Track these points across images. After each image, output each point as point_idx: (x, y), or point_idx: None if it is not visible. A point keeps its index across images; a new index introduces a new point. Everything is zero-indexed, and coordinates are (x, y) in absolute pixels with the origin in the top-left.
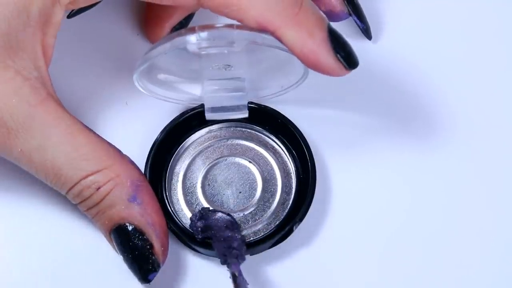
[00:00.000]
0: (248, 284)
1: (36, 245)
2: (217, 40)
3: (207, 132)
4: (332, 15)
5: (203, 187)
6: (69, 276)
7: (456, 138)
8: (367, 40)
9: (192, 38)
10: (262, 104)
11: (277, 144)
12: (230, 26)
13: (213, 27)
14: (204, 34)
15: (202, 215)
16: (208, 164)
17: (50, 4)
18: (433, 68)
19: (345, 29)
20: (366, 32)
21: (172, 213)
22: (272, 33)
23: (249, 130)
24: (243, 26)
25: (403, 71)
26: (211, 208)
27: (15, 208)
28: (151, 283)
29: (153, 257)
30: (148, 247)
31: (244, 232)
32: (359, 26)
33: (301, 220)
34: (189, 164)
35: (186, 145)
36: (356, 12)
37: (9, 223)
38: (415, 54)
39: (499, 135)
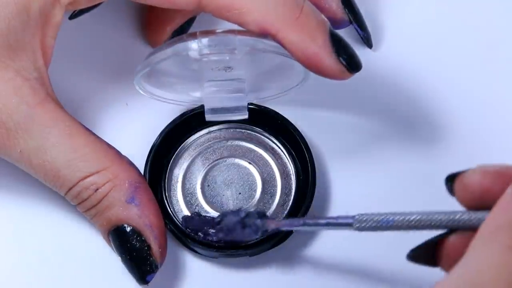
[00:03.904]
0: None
1: (36, 245)
2: (218, 47)
3: (207, 133)
4: (333, 23)
5: (202, 188)
6: (68, 276)
7: (457, 144)
8: (368, 49)
9: (193, 45)
10: (262, 105)
11: (277, 145)
12: (232, 31)
13: (214, 32)
14: (205, 41)
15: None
16: (208, 165)
17: (50, 5)
18: (433, 76)
19: (346, 37)
20: (366, 40)
21: (172, 214)
22: (273, 37)
23: (249, 131)
24: (244, 31)
25: (404, 78)
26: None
27: (15, 208)
28: (149, 284)
29: (151, 258)
30: (146, 248)
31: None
32: (359, 35)
33: None
34: (189, 165)
35: (186, 146)
36: (356, 20)
37: (9, 223)
38: (416, 62)
39: (502, 141)
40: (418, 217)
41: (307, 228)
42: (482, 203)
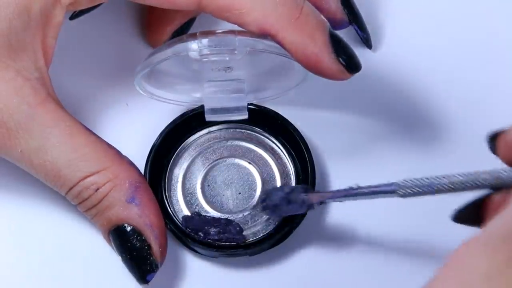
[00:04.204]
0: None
1: (36, 245)
2: (218, 47)
3: (207, 133)
4: (332, 24)
5: (202, 188)
6: (69, 276)
7: (457, 144)
8: (367, 49)
9: (193, 46)
10: (262, 105)
11: (277, 145)
12: (232, 32)
13: (214, 33)
14: (205, 41)
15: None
16: (208, 165)
17: (51, 5)
18: (433, 76)
19: (345, 37)
20: (366, 41)
21: (172, 214)
22: (273, 37)
23: (248, 132)
24: (244, 32)
25: (403, 79)
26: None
27: (16, 208)
28: (149, 283)
29: (151, 258)
30: (146, 247)
31: (243, 233)
32: (359, 35)
33: (300, 221)
34: (189, 165)
35: (186, 146)
36: (356, 21)
37: (10, 222)
38: (415, 62)
39: None
40: (462, 178)
41: (350, 199)
42: None
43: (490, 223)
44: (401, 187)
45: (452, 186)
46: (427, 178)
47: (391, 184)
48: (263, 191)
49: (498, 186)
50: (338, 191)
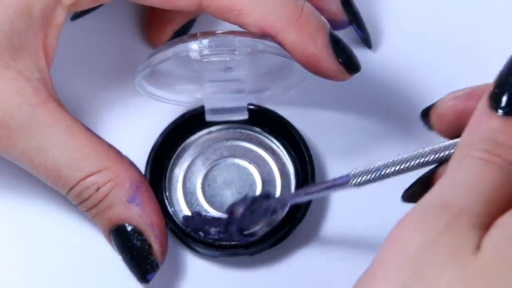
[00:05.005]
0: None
1: (36, 245)
2: (219, 48)
3: (207, 133)
4: (332, 24)
5: (203, 187)
6: (69, 276)
7: None
8: (367, 49)
9: (194, 46)
10: (262, 105)
11: (277, 145)
12: (232, 32)
13: (215, 33)
14: (205, 41)
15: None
16: (208, 165)
17: (52, 6)
18: (433, 76)
19: (345, 38)
20: (366, 41)
21: (172, 214)
22: (273, 38)
23: (248, 132)
24: (244, 32)
25: (403, 79)
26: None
27: (16, 207)
28: (150, 283)
29: (151, 257)
30: (147, 247)
31: (244, 232)
32: (359, 35)
33: (300, 220)
34: (189, 165)
35: (186, 146)
36: (356, 21)
37: (10, 222)
38: (415, 62)
39: None
40: (406, 157)
41: (309, 197)
42: (461, 129)
43: (424, 197)
44: (352, 177)
45: (399, 167)
46: (376, 164)
47: (343, 176)
48: (228, 207)
49: (441, 160)
50: (296, 192)
